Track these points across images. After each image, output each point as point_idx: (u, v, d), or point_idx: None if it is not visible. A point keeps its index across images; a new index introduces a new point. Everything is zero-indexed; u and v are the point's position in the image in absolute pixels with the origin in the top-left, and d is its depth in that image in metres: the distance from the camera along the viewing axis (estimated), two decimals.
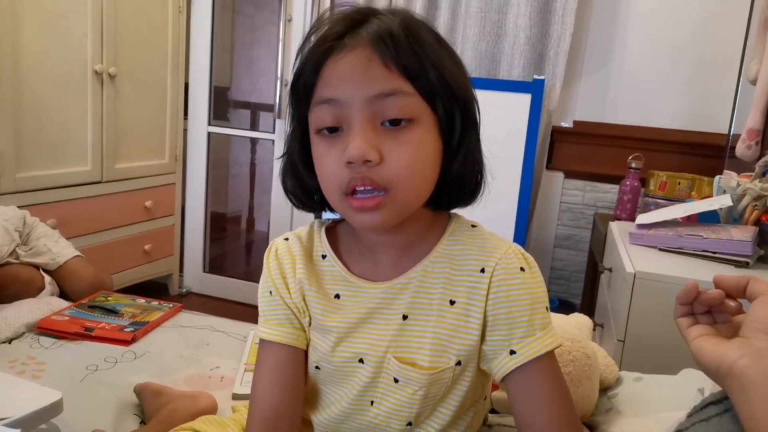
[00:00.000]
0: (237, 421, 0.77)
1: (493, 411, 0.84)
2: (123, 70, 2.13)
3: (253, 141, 3.28)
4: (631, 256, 1.30)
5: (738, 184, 1.48)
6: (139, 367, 1.08)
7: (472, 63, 2.30)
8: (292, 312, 0.64)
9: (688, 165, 2.10)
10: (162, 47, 2.35)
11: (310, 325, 0.65)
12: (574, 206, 2.43)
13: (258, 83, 3.26)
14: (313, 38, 0.57)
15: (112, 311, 1.30)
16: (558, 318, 0.93)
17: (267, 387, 0.64)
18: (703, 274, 1.18)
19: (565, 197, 2.43)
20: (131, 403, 0.96)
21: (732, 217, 1.47)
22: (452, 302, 0.60)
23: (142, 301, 1.39)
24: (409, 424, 0.61)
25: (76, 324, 1.21)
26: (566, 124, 2.39)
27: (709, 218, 1.51)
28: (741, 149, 1.66)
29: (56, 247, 1.46)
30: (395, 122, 0.54)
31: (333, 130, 0.56)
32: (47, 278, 1.41)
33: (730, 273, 0.51)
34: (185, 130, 2.61)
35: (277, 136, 2.62)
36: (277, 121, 2.59)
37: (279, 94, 2.52)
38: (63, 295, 1.42)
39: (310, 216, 0.72)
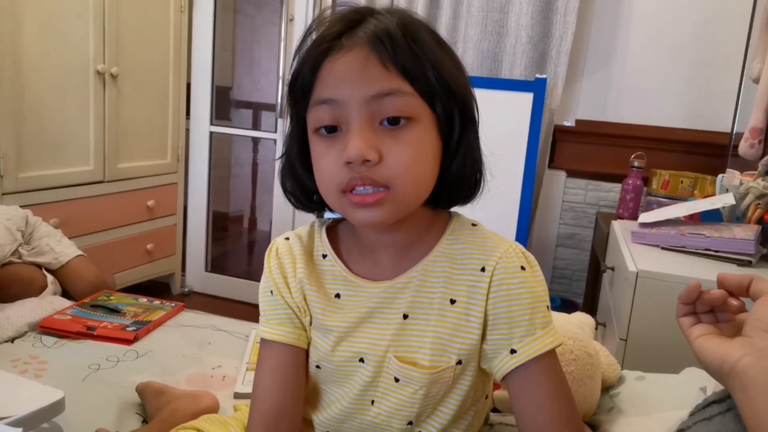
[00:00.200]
0: (239, 420, 0.78)
1: (494, 410, 0.84)
2: (125, 70, 2.13)
3: (255, 140, 3.28)
4: (634, 255, 1.29)
5: (741, 183, 1.47)
6: (141, 367, 1.08)
7: (474, 62, 2.30)
8: (293, 311, 0.64)
9: (691, 164, 2.10)
10: (164, 47, 2.35)
11: (311, 324, 0.65)
12: (576, 205, 2.42)
13: (260, 83, 3.27)
14: (310, 39, 0.57)
15: (114, 310, 1.30)
16: (560, 317, 0.93)
17: (268, 386, 0.64)
18: (706, 272, 1.18)
19: (568, 196, 2.43)
20: (133, 402, 0.96)
21: (735, 215, 1.47)
22: (453, 301, 0.60)
23: (144, 300, 1.39)
24: (410, 423, 0.61)
25: (78, 323, 1.21)
26: (568, 123, 2.39)
27: (711, 217, 1.51)
28: (744, 148, 1.66)
29: (59, 247, 1.46)
30: (394, 121, 0.54)
31: (331, 130, 0.55)
32: (49, 278, 1.41)
33: (732, 272, 0.51)
34: (187, 130, 2.61)
35: (278, 135, 2.62)
36: (279, 120, 2.59)
37: (281, 93, 2.52)
38: (65, 294, 1.42)
39: (312, 215, 0.72)
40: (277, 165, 0.66)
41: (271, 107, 3.19)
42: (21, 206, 1.52)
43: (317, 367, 0.65)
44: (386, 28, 0.54)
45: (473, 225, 0.64)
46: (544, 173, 2.38)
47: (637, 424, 0.79)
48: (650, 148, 2.12)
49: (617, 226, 1.65)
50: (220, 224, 3.16)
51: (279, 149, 2.66)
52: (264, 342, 0.66)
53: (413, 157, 0.54)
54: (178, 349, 1.18)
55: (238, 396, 1.02)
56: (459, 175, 0.59)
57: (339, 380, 0.64)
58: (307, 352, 0.66)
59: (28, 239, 1.45)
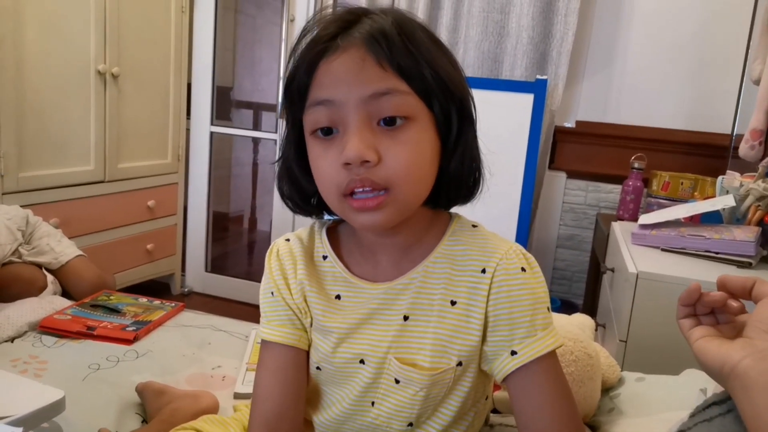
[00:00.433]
0: (239, 421, 0.77)
1: (494, 411, 0.84)
2: (126, 70, 2.13)
3: (256, 141, 3.28)
4: (634, 256, 1.29)
5: (741, 185, 1.47)
6: (141, 367, 1.08)
7: (475, 63, 2.30)
8: (293, 312, 0.64)
9: (691, 165, 2.10)
10: (165, 47, 2.35)
11: (311, 325, 0.65)
12: (577, 206, 2.42)
13: (260, 83, 3.27)
14: (305, 41, 0.56)
15: (114, 310, 1.30)
16: (560, 318, 0.93)
17: (268, 387, 0.64)
18: (706, 274, 1.18)
19: (568, 197, 2.43)
20: (133, 402, 0.96)
21: (735, 217, 1.47)
22: (453, 303, 0.60)
23: (144, 300, 1.39)
24: (410, 424, 0.61)
25: (78, 323, 1.21)
26: (569, 124, 2.39)
27: (711, 218, 1.51)
28: (744, 149, 1.65)
29: (59, 247, 1.46)
30: (391, 121, 0.54)
31: (328, 132, 0.55)
32: (50, 277, 1.41)
33: (732, 273, 0.51)
34: (188, 130, 2.61)
35: (279, 136, 2.62)
36: (280, 120, 2.59)
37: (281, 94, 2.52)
38: (65, 294, 1.42)
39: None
40: (276, 168, 0.65)
41: (271, 107, 3.20)
42: (21, 206, 1.52)
43: (318, 368, 0.65)
44: (381, 28, 0.54)
45: (474, 226, 0.64)
46: (545, 174, 2.38)
47: (637, 425, 0.79)
48: (650, 150, 2.12)
49: (617, 227, 1.65)
50: (220, 224, 3.16)
51: (279, 150, 2.66)
52: (265, 343, 0.65)
53: (412, 156, 0.54)
54: (178, 349, 1.18)
55: (238, 396, 1.02)
56: (458, 174, 0.59)
57: (339, 381, 0.64)
58: (307, 353, 0.66)
59: (29, 239, 1.45)
